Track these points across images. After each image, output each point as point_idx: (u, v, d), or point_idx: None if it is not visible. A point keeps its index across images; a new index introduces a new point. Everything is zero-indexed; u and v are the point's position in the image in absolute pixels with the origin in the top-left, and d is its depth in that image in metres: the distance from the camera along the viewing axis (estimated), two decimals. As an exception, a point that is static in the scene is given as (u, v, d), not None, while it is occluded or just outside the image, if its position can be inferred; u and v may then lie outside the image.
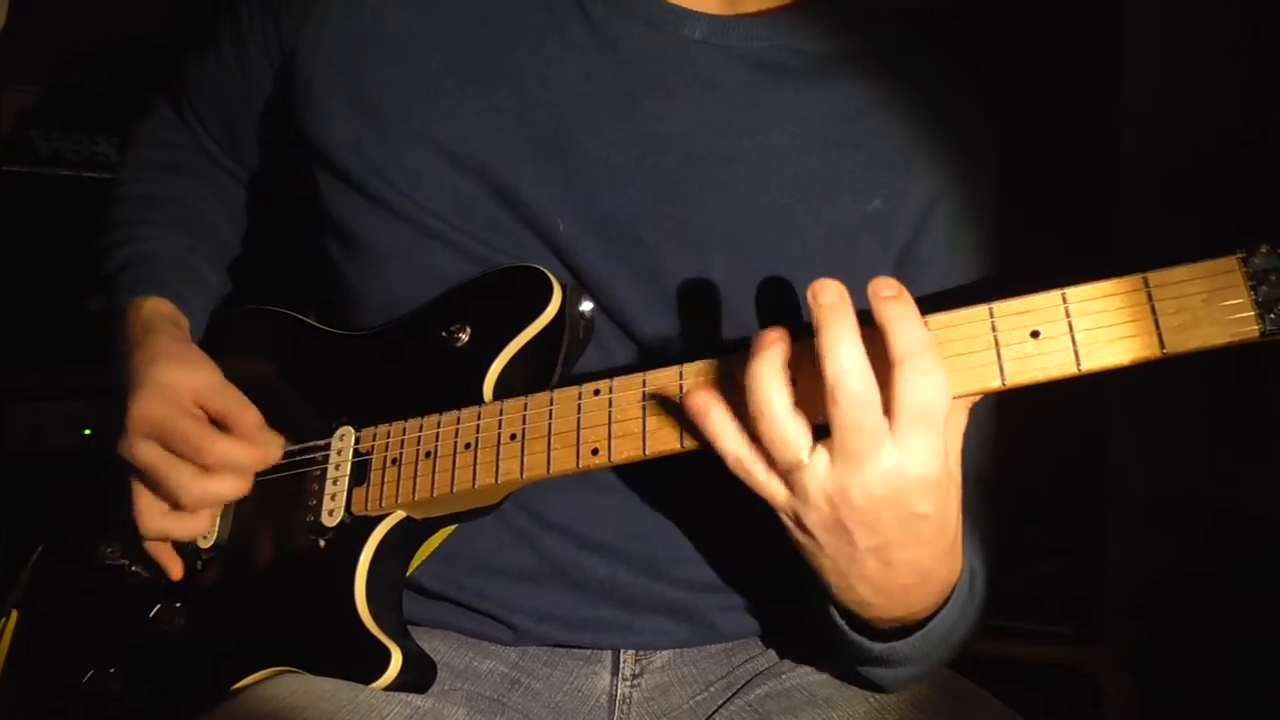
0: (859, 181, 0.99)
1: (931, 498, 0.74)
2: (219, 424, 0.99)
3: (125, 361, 1.01)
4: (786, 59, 1.01)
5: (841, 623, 0.85)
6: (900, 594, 0.80)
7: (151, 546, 1.01)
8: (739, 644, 1.06)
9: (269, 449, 0.99)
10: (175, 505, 0.98)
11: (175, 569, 1.02)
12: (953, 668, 0.98)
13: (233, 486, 0.98)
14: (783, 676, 0.99)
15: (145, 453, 0.97)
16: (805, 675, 0.98)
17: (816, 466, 0.73)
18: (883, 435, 0.71)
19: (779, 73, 1.01)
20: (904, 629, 0.84)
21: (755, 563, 1.05)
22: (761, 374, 0.73)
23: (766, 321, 0.95)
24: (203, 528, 1.00)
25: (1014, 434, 1.00)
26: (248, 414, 0.99)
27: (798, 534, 0.78)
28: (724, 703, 1.00)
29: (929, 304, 0.77)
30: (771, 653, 1.03)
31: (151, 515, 0.99)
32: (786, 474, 0.75)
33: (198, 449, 0.95)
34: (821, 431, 0.73)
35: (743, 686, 1.00)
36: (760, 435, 0.74)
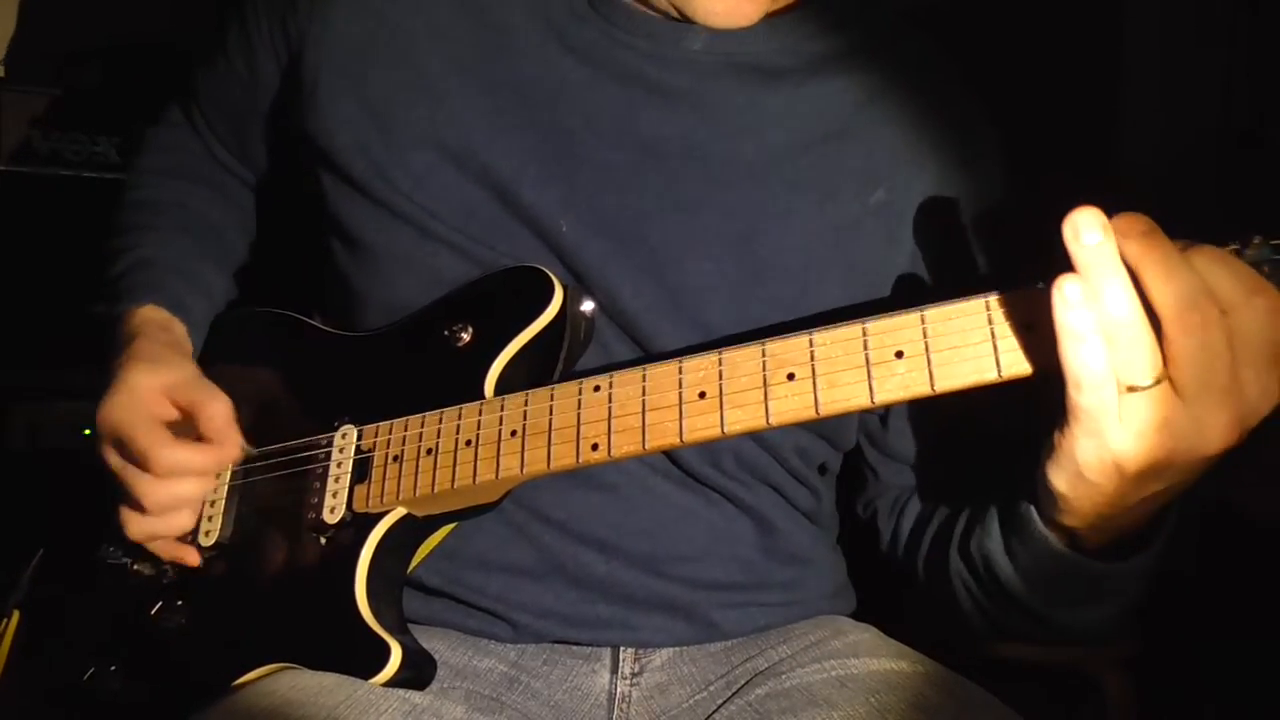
0: (861, 174, 1.00)
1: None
2: (189, 418, 0.99)
3: (108, 367, 1.02)
4: (784, 60, 1.02)
5: (1088, 560, 0.80)
6: (1141, 513, 0.76)
7: (153, 547, 1.02)
8: (738, 643, 1.06)
9: (225, 450, 0.99)
10: (142, 511, 0.98)
11: (190, 559, 1.02)
12: (952, 667, 0.98)
13: (193, 487, 0.99)
14: (782, 676, 0.99)
15: (110, 459, 0.99)
16: (805, 675, 0.98)
17: (1165, 398, 0.67)
18: (1228, 371, 0.66)
19: (777, 73, 1.02)
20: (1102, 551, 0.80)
21: (754, 560, 1.05)
22: (1125, 275, 0.66)
23: (771, 319, 0.96)
24: (186, 524, 1.01)
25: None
26: (212, 407, 0.99)
27: (1088, 461, 0.71)
28: (723, 702, 1.00)
29: (929, 296, 0.77)
30: (771, 652, 1.03)
31: (132, 519, 1.00)
32: (1122, 394, 0.68)
33: (146, 457, 0.96)
34: None
35: (742, 686, 1.00)
36: (1117, 342, 0.67)
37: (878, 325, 0.78)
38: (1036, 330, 0.73)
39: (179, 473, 0.98)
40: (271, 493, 1.01)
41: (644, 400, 0.84)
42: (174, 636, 1.01)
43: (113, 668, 1.03)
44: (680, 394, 0.83)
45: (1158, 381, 0.67)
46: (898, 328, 0.77)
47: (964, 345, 0.75)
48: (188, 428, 1.00)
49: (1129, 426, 0.69)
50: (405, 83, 1.02)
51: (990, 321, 0.74)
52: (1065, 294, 0.67)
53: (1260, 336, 0.66)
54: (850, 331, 0.78)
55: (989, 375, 0.74)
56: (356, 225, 1.04)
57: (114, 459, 0.99)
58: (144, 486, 0.97)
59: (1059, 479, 0.76)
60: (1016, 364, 0.74)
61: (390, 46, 1.03)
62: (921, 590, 1.03)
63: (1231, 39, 2.38)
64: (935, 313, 0.76)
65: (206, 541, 1.02)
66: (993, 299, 0.75)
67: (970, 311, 0.75)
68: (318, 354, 1.08)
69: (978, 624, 0.97)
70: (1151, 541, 0.80)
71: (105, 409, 0.99)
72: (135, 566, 1.05)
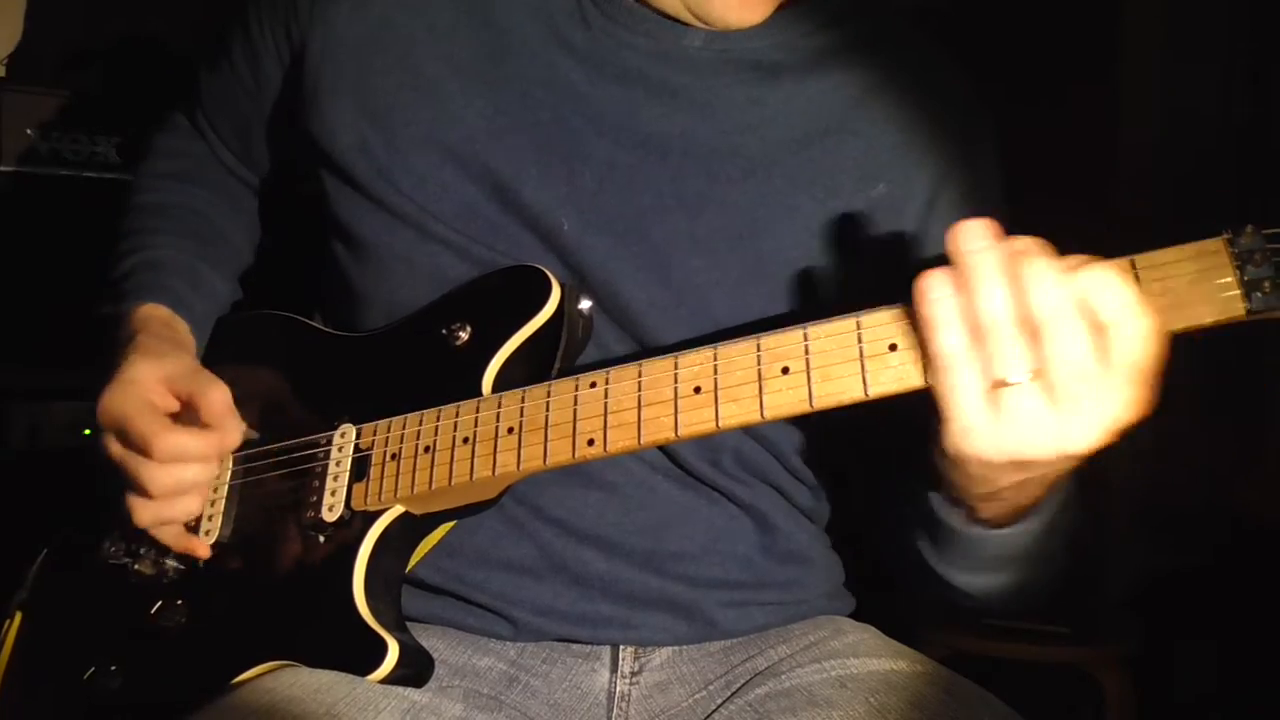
0: (861, 168, 1.00)
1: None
2: (190, 407, 1.00)
3: (109, 363, 1.02)
4: (783, 56, 1.02)
5: (968, 527, 0.84)
6: (1036, 490, 0.80)
7: (161, 535, 1.01)
8: (738, 643, 1.06)
9: (226, 434, 0.99)
10: (148, 496, 0.98)
11: (199, 549, 1.02)
12: (952, 666, 0.99)
13: (196, 473, 0.99)
14: (782, 676, 0.99)
15: (111, 448, 0.99)
16: (805, 675, 0.98)
17: (1032, 397, 0.69)
18: (1099, 380, 0.68)
19: (776, 70, 1.02)
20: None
21: (754, 558, 1.05)
22: (1007, 268, 0.69)
23: (773, 314, 0.96)
24: (194, 508, 1.00)
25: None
26: (211, 395, 0.99)
27: (953, 446, 0.73)
28: (723, 702, 1.00)
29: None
30: (771, 652, 1.03)
31: (140, 506, 0.99)
32: (992, 389, 0.70)
33: (147, 442, 0.96)
34: None
35: (742, 686, 1.00)
36: (989, 337, 0.69)
37: (871, 318, 0.78)
38: None
39: (180, 457, 0.98)
40: (271, 492, 1.01)
41: (640, 396, 0.84)
42: (174, 635, 1.01)
43: (113, 667, 1.02)
44: (676, 389, 0.83)
45: (1031, 380, 0.69)
46: (891, 321, 0.77)
47: None
48: (189, 418, 1.00)
49: (998, 419, 0.71)
50: (406, 84, 1.02)
51: None
52: (925, 289, 0.71)
53: (1131, 356, 0.68)
54: (844, 325, 0.78)
55: None
56: (358, 226, 1.04)
57: (115, 448, 0.99)
58: (147, 472, 0.97)
59: (939, 460, 0.78)
60: None
61: (391, 48, 1.03)
62: (891, 565, 1.04)
63: (1232, 38, 2.38)
64: None
65: (206, 541, 1.02)
66: None
67: None
68: (318, 354, 1.09)
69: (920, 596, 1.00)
70: (1032, 516, 0.83)
71: (105, 400, 0.99)
72: (135, 566, 1.05)
